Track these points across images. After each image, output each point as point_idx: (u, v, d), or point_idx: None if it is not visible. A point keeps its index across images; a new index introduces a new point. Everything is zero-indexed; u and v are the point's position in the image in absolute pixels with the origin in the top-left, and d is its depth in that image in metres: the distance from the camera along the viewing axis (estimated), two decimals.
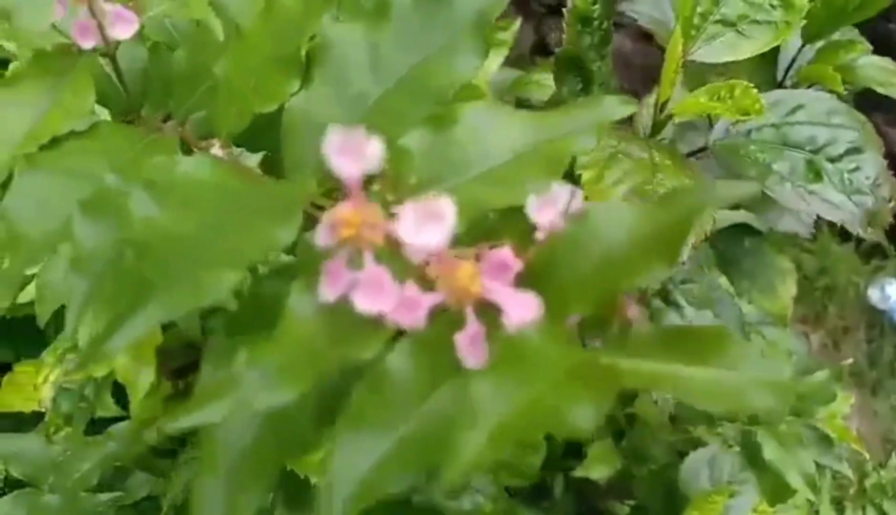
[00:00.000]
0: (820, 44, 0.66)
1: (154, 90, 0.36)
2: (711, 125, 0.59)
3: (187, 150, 0.32)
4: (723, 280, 0.70)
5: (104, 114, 0.36)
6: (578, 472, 0.73)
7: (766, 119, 0.53)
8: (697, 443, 0.75)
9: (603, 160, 0.47)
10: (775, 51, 0.66)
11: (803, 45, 0.65)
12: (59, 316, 0.28)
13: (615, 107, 0.26)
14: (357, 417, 0.17)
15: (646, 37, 0.70)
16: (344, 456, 0.17)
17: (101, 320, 0.23)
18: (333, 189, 0.26)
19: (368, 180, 0.27)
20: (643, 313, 0.21)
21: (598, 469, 0.74)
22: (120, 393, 0.68)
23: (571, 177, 0.46)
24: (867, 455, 0.72)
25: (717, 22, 0.53)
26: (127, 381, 0.55)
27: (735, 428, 0.75)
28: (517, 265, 0.20)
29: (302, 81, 0.28)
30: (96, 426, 0.66)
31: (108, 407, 0.67)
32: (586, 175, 0.46)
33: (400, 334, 0.19)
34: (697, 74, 0.60)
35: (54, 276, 0.31)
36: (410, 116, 0.27)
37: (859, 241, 1.51)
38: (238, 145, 0.34)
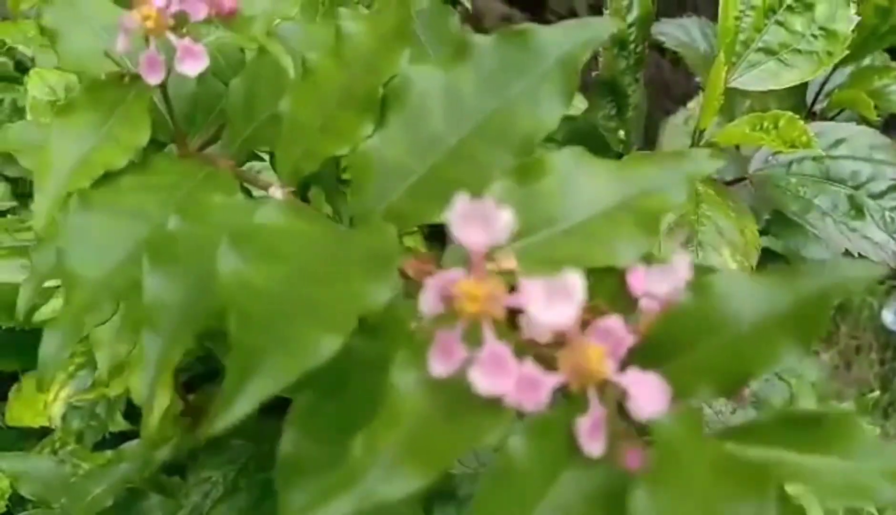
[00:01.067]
0: (851, 68, 0.66)
1: (199, 118, 0.35)
2: (739, 153, 0.58)
3: (244, 185, 0.30)
4: None
5: None
6: None
7: (806, 152, 0.52)
8: None
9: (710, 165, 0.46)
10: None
11: (834, 70, 0.65)
12: None
13: (705, 161, 0.25)
14: (484, 508, 0.16)
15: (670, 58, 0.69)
16: None
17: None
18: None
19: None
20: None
21: None
22: (128, 406, 0.66)
23: None
24: None
25: (759, 50, 0.52)
26: (142, 403, 0.54)
27: None
28: (630, 339, 0.19)
29: (376, 123, 0.27)
30: (103, 440, 0.65)
31: (118, 423, 0.66)
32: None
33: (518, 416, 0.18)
34: (727, 100, 0.59)
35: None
36: (490, 164, 0.26)
37: None
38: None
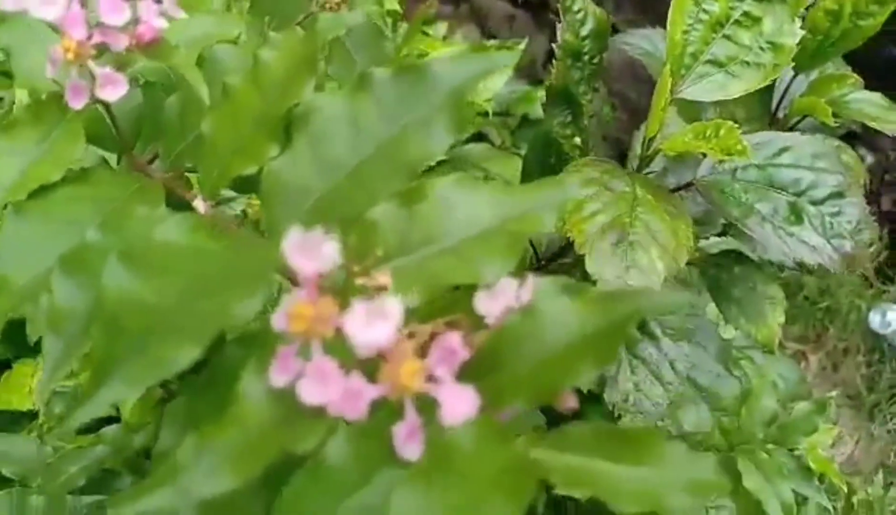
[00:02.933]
0: (813, 75, 0.67)
1: (146, 131, 0.38)
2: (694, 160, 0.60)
3: (173, 198, 0.33)
4: (711, 307, 0.71)
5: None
6: None
7: (751, 159, 0.54)
8: None
9: (584, 191, 0.48)
10: (771, 83, 0.66)
11: (795, 76, 0.66)
12: None
13: (575, 189, 0.27)
14: (292, 505, 0.19)
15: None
16: None
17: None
18: None
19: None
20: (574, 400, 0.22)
21: None
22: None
23: None
24: (844, 488, 0.73)
25: (707, 62, 0.54)
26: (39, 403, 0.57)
27: (716, 456, 0.76)
28: (464, 354, 0.22)
29: (282, 145, 0.29)
30: (89, 426, 0.68)
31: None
32: (568, 205, 0.47)
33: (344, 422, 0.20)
34: (693, 107, 0.61)
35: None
36: (382, 187, 0.28)
37: None
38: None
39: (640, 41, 0.65)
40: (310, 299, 0.20)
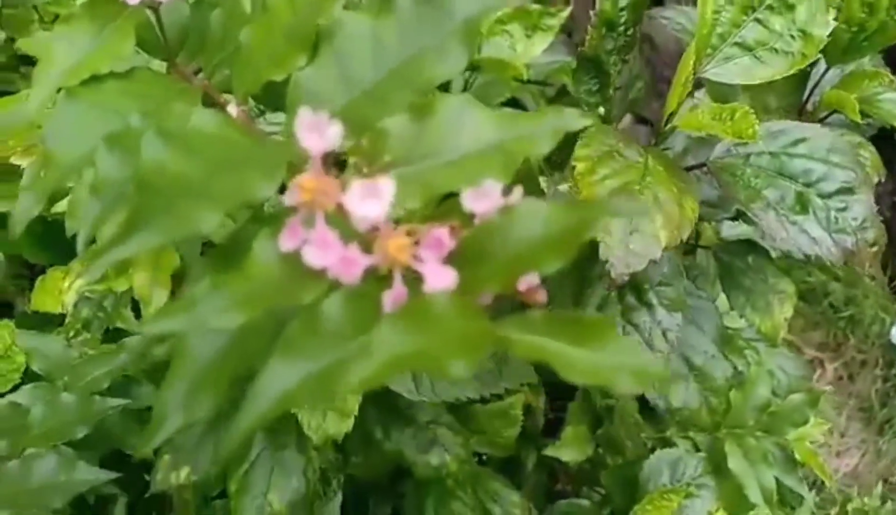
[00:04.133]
0: (846, 70, 0.67)
1: (190, 43, 0.40)
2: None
3: (209, 102, 0.36)
4: (722, 296, 0.73)
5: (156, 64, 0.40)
6: (550, 451, 0.77)
7: (766, 146, 0.55)
8: (668, 443, 0.78)
9: (598, 156, 0.50)
10: (806, 73, 0.67)
11: (828, 69, 0.67)
12: None
13: (573, 119, 0.29)
14: (288, 345, 0.22)
15: None
16: (272, 373, 0.21)
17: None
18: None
19: (344, 155, 0.31)
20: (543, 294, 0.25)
21: (570, 452, 0.78)
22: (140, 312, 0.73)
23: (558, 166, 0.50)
24: (828, 483, 0.75)
25: (734, 44, 0.55)
26: (142, 298, 0.60)
27: (706, 436, 0.78)
28: (450, 244, 0.24)
29: (309, 57, 0.32)
30: (115, 336, 0.72)
31: (126, 321, 0.72)
32: (580, 166, 0.49)
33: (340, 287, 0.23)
34: (723, 90, 0.62)
35: (83, 195, 0.36)
36: (396, 103, 0.30)
37: (893, 277, 1.50)
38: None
39: (678, 17, 0.67)
40: (316, 174, 0.23)
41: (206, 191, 0.25)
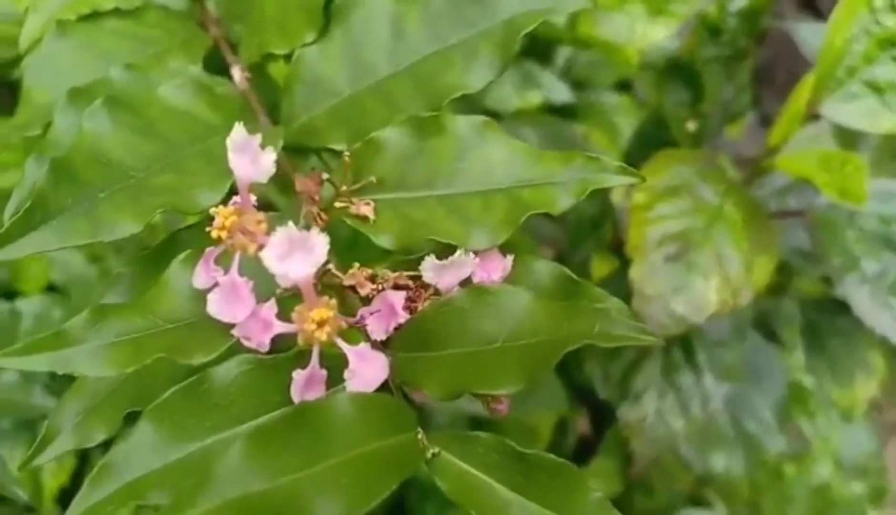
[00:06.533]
0: None
1: None
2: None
3: (216, 60, 0.31)
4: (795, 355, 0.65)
5: None
6: None
7: (877, 207, 0.47)
8: (702, 502, 0.72)
9: (664, 189, 0.43)
10: None
11: None
12: None
13: (610, 177, 0.23)
14: (162, 414, 0.17)
15: None
16: (133, 445, 0.17)
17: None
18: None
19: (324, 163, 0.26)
20: None
21: (596, 484, 0.73)
22: None
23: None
24: None
25: (863, 82, 0.46)
26: None
27: (746, 509, 0.71)
28: (401, 316, 0.19)
29: (318, 33, 0.27)
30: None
31: None
32: (639, 196, 0.43)
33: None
34: (848, 133, 0.53)
35: None
36: (403, 106, 0.25)
37: None
38: None
39: (809, 35, 0.57)
40: (241, 205, 0.18)
41: (137, 188, 0.21)
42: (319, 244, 0.17)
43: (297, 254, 0.17)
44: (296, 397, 0.18)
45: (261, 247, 0.18)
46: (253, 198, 0.18)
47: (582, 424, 0.74)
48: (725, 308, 0.39)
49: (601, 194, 0.60)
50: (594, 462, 0.74)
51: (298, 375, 0.18)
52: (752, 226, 0.44)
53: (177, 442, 0.17)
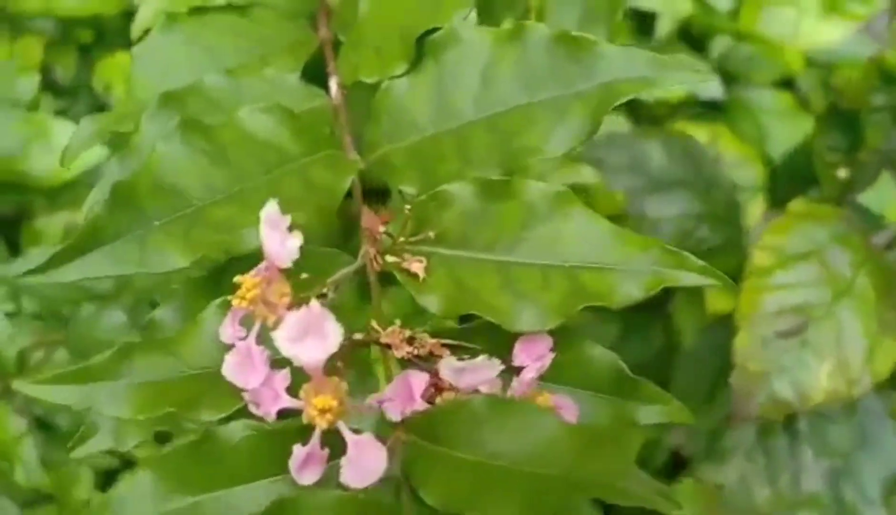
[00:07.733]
0: None
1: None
2: None
3: (317, 67, 0.31)
4: None
5: None
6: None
7: None
8: None
9: (790, 254, 0.39)
10: None
11: None
12: None
13: (688, 276, 0.21)
14: (168, 465, 0.18)
15: None
16: (131, 490, 0.18)
17: None
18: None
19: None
20: None
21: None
22: None
23: None
24: None
25: None
26: None
27: None
28: (418, 405, 0.18)
29: (410, 65, 0.25)
30: None
31: None
32: (759, 257, 0.39)
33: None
34: None
35: None
36: (480, 160, 0.24)
37: None
38: None
39: None
40: (265, 275, 0.17)
41: (197, 220, 0.21)
42: (333, 333, 0.16)
43: (310, 340, 0.16)
44: (294, 472, 0.18)
45: (280, 320, 0.18)
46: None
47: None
48: (836, 398, 0.35)
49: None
50: (685, 481, 0.70)
51: (298, 451, 0.17)
52: (885, 303, 0.39)
53: (172, 494, 0.17)
